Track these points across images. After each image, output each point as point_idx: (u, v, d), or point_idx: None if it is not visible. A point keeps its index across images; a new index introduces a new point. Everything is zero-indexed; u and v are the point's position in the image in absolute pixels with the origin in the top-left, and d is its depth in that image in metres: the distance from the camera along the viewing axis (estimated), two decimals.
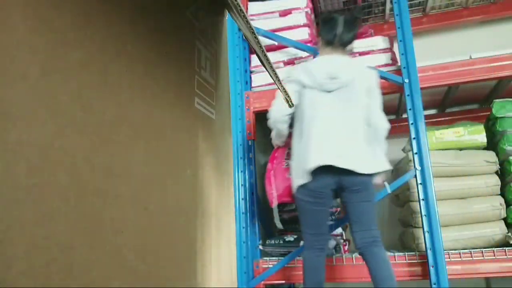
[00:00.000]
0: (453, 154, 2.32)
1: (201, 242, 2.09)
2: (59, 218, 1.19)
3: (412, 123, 2.13)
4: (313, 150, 1.75)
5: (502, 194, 2.26)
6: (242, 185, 2.39)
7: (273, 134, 2.14)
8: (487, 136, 2.35)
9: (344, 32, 1.91)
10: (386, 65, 2.43)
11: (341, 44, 1.92)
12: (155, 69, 1.85)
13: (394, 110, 3.18)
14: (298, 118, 1.92)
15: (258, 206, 2.40)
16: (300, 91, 1.90)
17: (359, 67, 1.95)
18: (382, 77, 2.27)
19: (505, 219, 2.21)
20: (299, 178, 1.79)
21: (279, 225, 2.25)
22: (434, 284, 1.94)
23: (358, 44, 2.56)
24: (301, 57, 2.56)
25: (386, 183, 2.04)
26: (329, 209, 1.92)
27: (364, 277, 2.15)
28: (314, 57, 2.44)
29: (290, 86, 1.90)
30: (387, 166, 1.82)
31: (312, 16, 2.81)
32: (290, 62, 2.59)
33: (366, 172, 1.74)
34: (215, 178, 2.36)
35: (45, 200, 1.15)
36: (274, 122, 2.01)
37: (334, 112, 1.82)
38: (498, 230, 2.17)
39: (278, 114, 1.98)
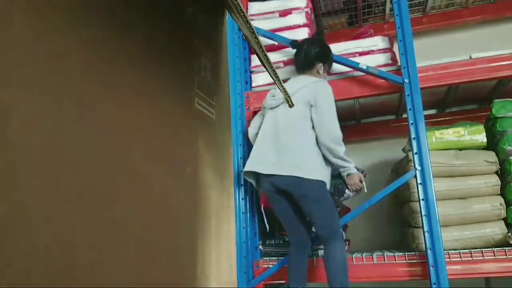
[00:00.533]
0: (453, 154, 2.32)
1: (201, 242, 2.09)
2: (59, 218, 1.19)
3: (412, 123, 2.13)
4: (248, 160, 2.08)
5: (502, 194, 2.26)
6: (242, 185, 2.39)
7: None
8: (487, 136, 2.35)
9: (305, 54, 2.13)
10: (386, 65, 2.43)
11: (302, 67, 2.15)
12: (155, 69, 1.85)
13: (394, 110, 3.18)
14: None
15: (258, 206, 2.40)
16: (263, 113, 2.22)
17: (305, 83, 2.05)
18: (382, 77, 2.27)
19: (505, 219, 2.21)
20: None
21: (267, 226, 2.34)
22: (434, 284, 1.94)
23: (358, 44, 2.56)
24: None
25: (363, 183, 2.07)
26: (293, 210, 2.01)
27: (364, 277, 2.16)
28: None
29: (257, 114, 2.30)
30: (317, 176, 1.90)
31: (312, 16, 2.81)
32: (290, 62, 2.58)
33: (285, 174, 1.90)
34: (215, 178, 2.36)
35: (45, 200, 1.15)
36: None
37: (269, 125, 2.07)
38: (498, 230, 2.17)
39: (248, 135, 2.31)
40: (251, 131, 2.26)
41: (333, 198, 2.10)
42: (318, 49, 2.14)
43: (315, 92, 1.99)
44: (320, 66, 2.13)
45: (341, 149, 1.95)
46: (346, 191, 2.11)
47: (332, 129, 1.95)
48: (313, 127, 1.98)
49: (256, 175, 2.07)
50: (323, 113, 1.96)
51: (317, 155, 1.96)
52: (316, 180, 1.89)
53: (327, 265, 1.86)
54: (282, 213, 2.04)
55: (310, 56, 2.12)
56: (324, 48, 2.18)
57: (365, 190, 2.10)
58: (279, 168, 1.92)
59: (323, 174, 1.94)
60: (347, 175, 2.04)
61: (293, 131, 1.98)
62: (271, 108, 2.11)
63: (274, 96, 2.13)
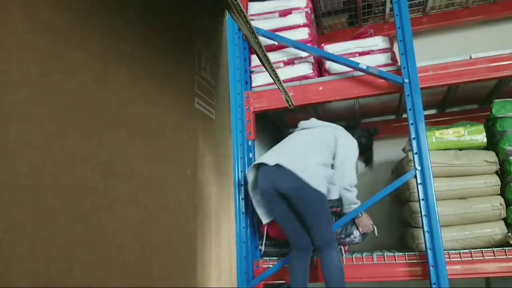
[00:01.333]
0: (453, 154, 2.32)
1: (201, 242, 2.09)
2: (59, 218, 1.19)
3: (412, 123, 2.13)
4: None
5: (502, 194, 2.26)
6: (242, 185, 2.39)
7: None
8: (487, 136, 2.35)
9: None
10: (386, 65, 2.43)
11: None
12: (155, 69, 1.85)
13: (394, 110, 3.18)
14: None
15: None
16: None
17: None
18: (382, 77, 2.27)
19: (505, 219, 2.22)
20: None
21: (262, 248, 2.39)
22: (434, 284, 1.94)
23: (358, 44, 2.56)
24: (301, 57, 2.56)
25: (374, 227, 2.20)
26: (294, 213, 2.05)
27: (365, 277, 2.16)
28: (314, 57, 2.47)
29: None
30: (319, 187, 1.96)
31: (312, 16, 2.81)
32: (290, 62, 2.59)
33: (290, 168, 1.97)
34: (215, 178, 2.36)
35: (45, 200, 1.15)
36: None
37: (292, 138, 2.30)
38: (498, 230, 2.18)
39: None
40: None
41: (340, 240, 2.19)
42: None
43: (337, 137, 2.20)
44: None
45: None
46: (354, 232, 2.17)
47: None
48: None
49: (257, 174, 2.13)
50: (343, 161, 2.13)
51: (324, 172, 2.06)
52: (318, 190, 1.95)
53: (325, 272, 1.94)
54: (282, 217, 2.07)
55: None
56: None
57: (376, 234, 2.16)
58: (288, 163, 1.99)
59: (325, 188, 2.01)
60: (356, 217, 2.15)
61: (312, 149, 2.13)
62: (302, 129, 2.32)
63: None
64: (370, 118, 3.39)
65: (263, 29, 2.51)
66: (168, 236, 1.80)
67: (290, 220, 2.04)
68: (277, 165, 2.01)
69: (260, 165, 2.12)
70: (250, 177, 2.20)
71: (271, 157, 2.09)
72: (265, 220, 2.20)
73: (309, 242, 2.04)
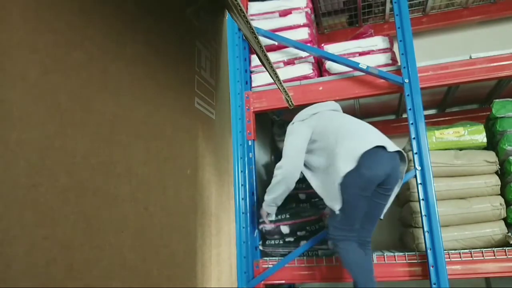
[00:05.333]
0: (453, 154, 2.32)
1: (201, 242, 2.09)
2: (59, 218, 1.19)
3: (412, 123, 2.13)
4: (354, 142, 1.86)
5: (502, 194, 2.26)
6: (242, 185, 2.39)
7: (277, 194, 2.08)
8: (487, 136, 2.35)
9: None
10: (386, 65, 2.43)
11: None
12: (155, 69, 1.85)
13: (394, 110, 3.18)
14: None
15: (258, 206, 2.40)
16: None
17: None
18: (382, 77, 2.27)
19: (505, 219, 2.21)
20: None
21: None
22: (434, 284, 1.94)
23: (358, 44, 2.56)
24: (301, 57, 2.56)
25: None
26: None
27: None
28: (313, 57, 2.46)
29: None
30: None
31: (312, 16, 2.80)
32: (290, 62, 2.59)
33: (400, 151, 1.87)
34: (215, 178, 2.36)
35: (45, 200, 1.15)
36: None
37: (346, 120, 2.11)
38: (498, 230, 2.17)
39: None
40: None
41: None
42: None
43: None
44: None
45: None
46: None
47: None
48: None
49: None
50: None
51: None
52: None
53: (370, 266, 1.92)
54: (365, 206, 1.84)
55: None
56: None
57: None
58: (394, 146, 1.86)
59: None
60: None
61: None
62: (333, 110, 2.19)
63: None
64: (370, 118, 3.39)
65: (263, 29, 2.51)
66: (168, 236, 1.80)
67: (366, 211, 1.87)
68: (395, 151, 1.85)
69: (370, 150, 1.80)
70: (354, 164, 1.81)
71: (384, 141, 1.83)
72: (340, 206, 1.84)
73: (370, 237, 1.96)
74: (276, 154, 3.06)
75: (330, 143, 1.90)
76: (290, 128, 2.11)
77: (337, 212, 1.82)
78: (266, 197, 2.09)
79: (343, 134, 1.89)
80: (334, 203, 1.83)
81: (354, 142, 1.84)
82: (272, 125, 2.32)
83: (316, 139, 2.00)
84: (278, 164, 2.03)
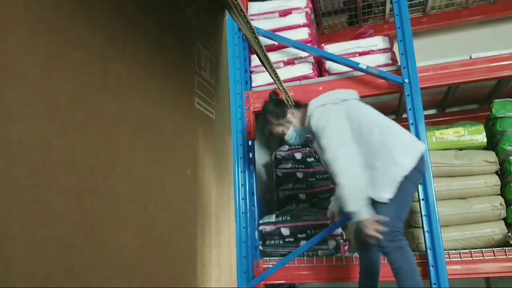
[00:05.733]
0: (453, 154, 2.32)
1: (201, 242, 2.08)
2: (59, 218, 1.19)
3: (412, 123, 2.13)
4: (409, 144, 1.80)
5: (502, 194, 2.26)
6: (242, 185, 2.39)
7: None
8: (487, 136, 2.35)
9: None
10: (386, 65, 2.43)
11: None
12: (155, 69, 1.85)
13: (394, 110, 3.18)
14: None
15: (258, 206, 2.40)
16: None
17: None
18: (382, 77, 2.27)
19: (505, 219, 2.22)
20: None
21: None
22: (434, 284, 1.94)
23: (358, 44, 2.56)
24: (301, 57, 2.56)
25: None
26: None
27: None
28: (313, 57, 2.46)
29: None
30: None
31: (312, 16, 2.81)
32: (290, 62, 2.59)
33: None
34: (215, 178, 2.36)
35: (45, 200, 1.15)
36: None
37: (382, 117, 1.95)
38: (498, 230, 2.17)
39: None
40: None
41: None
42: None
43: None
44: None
45: None
46: None
47: None
48: None
49: None
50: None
51: None
52: None
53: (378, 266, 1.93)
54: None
55: None
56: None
57: None
58: None
59: None
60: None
61: None
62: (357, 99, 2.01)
63: None
64: None
65: (263, 29, 2.51)
66: (168, 236, 1.80)
67: None
68: None
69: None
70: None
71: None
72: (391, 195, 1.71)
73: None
74: (266, 141, 3.01)
75: (373, 134, 1.77)
76: (321, 110, 1.86)
77: (386, 201, 1.67)
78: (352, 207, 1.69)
79: (388, 127, 1.80)
80: (384, 193, 1.68)
81: (408, 138, 1.81)
82: (265, 104, 2.04)
83: (351, 127, 1.82)
84: (336, 169, 1.72)
